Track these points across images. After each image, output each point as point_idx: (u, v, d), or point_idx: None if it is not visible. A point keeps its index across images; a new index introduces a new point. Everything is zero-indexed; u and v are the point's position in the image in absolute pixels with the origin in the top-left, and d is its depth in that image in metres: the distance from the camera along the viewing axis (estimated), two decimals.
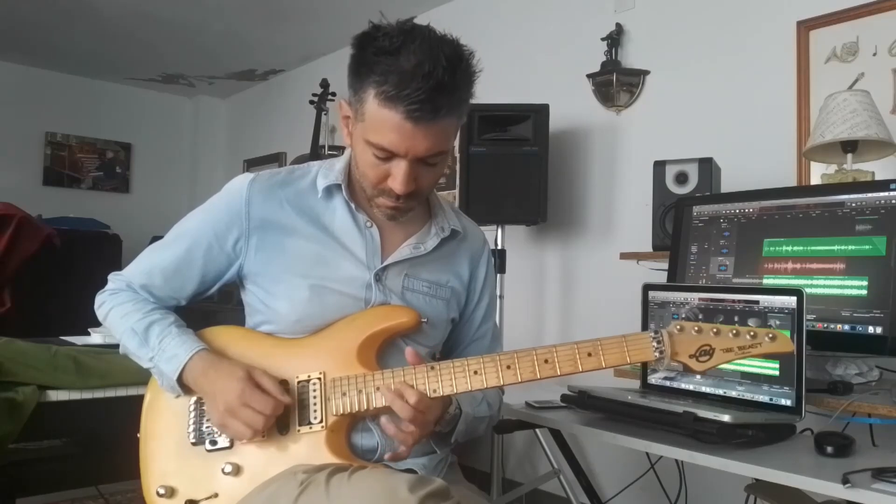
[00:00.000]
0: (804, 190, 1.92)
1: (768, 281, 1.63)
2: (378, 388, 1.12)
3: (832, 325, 1.52)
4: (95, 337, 2.22)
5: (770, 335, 1.09)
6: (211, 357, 1.15)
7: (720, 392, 1.50)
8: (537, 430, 2.51)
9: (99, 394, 1.89)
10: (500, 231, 2.75)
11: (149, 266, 1.25)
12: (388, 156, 1.09)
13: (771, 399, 1.41)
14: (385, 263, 1.21)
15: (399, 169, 1.10)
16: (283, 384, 1.15)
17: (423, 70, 1.01)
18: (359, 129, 1.11)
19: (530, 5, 3.22)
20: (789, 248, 1.61)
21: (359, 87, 1.08)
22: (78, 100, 5.12)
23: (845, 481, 1.08)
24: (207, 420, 1.16)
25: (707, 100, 2.55)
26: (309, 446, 1.13)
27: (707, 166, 2.13)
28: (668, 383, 1.61)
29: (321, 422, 1.13)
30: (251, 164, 5.05)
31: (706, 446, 1.28)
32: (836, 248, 1.54)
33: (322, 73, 4.05)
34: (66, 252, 3.65)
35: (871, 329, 1.46)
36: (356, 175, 1.19)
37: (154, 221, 4.51)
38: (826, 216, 1.56)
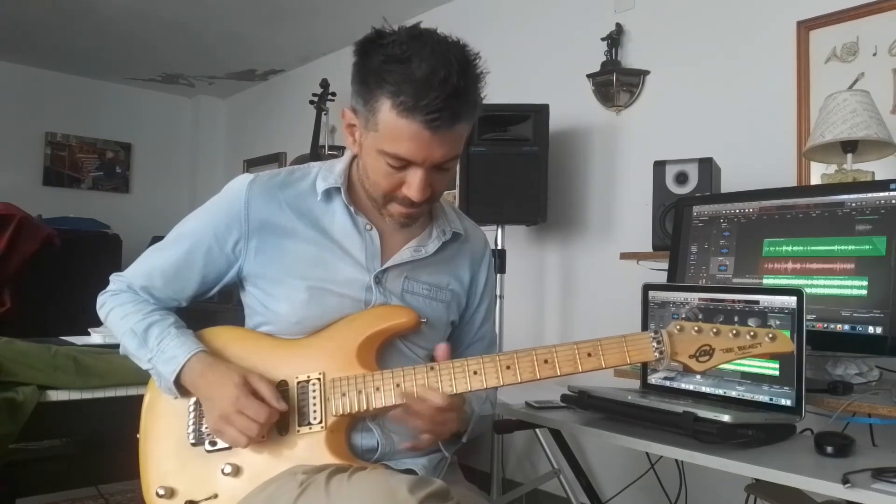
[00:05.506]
0: (804, 190, 1.92)
1: (768, 281, 1.63)
2: (378, 389, 1.12)
3: (832, 325, 1.52)
4: (95, 337, 2.23)
5: (770, 335, 1.09)
6: (209, 359, 1.15)
7: (720, 392, 1.50)
8: (537, 430, 2.51)
9: (99, 394, 1.90)
10: (500, 231, 2.75)
11: (149, 268, 1.25)
12: (404, 164, 1.08)
13: (771, 399, 1.41)
14: (385, 266, 1.21)
15: (415, 177, 1.09)
16: (283, 384, 1.15)
17: (439, 77, 1.00)
18: (370, 138, 1.09)
19: (530, 5, 3.22)
20: (789, 248, 1.61)
21: (369, 97, 1.06)
22: (78, 100, 5.12)
23: (845, 481, 1.08)
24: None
25: (707, 100, 2.55)
26: (308, 447, 1.13)
27: (707, 166, 2.13)
28: (668, 383, 1.61)
29: (321, 422, 1.13)
30: (251, 164, 5.05)
31: (706, 446, 1.28)
32: (836, 248, 1.54)
33: (322, 73, 4.05)
34: (66, 252, 3.65)
35: (871, 329, 1.46)
36: (364, 183, 1.18)
37: (154, 221, 4.52)
38: (826, 216, 1.56)
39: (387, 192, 1.13)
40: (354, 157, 1.23)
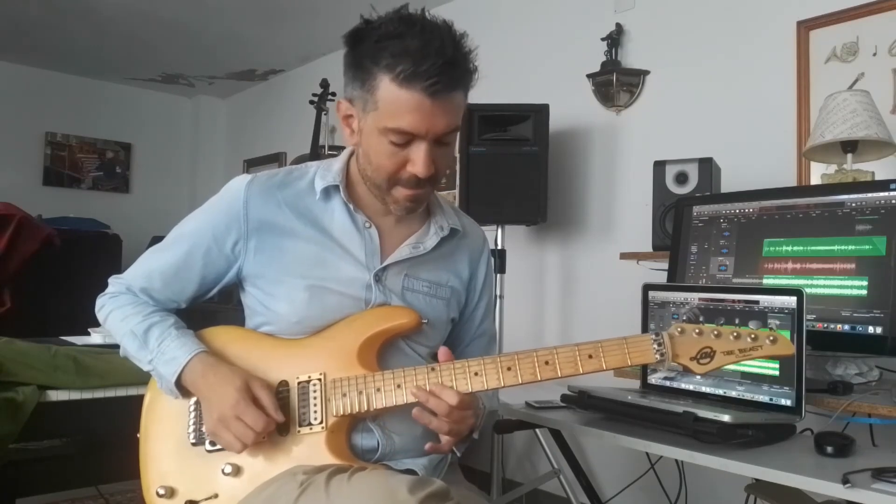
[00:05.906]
0: (804, 190, 1.92)
1: (768, 281, 1.63)
2: (379, 390, 1.12)
3: (832, 325, 1.52)
4: (95, 337, 2.23)
5: (771, 338, 1.09)
6: (210, 360, 1.15)
7: (720, 392, 1.50)
8: (537, 430, 2.51)
9: (99, 394, 1.90)
10: (500, 231, 2.75)
11: (148, 269, 1.25)
12: (407, 139, 1.09)
13: (771, 399, 1.41)
14: (384, 264, 1.21)
15: (419, 152, 1.10)
16: (283, 385, 1.15)
17: (433, 47, 1.03)
18: (370, 119, 1.10)
19: (530, 5, 3.22)
20: (789, 248, 1.61)
21: (366, 78, 1.08)
22: (78, 100, 5.12)
23: (845, 481, 1.08)
24: None
25: (707, 100, 2.55)
26: (309, 447, 1.13)
27: (707, 166, 2.13)
28: (668, 383, 1.61)
29: (321, 423, 1.13)
30: (251, 164, 5.05)
31: (706, 446, 1.28)
32: (836, 248, 1.54)
33: (322, 73, 4.04)
34: (66, 252, 3.65)
35: (871, 329, 1.46)
36: (366, 171, 1.18)
37: (154, 221, 4.52)
38: (826, 216, 1.56)
39: (391, 174, 1.13)
40: (352, 155, 1.23)
